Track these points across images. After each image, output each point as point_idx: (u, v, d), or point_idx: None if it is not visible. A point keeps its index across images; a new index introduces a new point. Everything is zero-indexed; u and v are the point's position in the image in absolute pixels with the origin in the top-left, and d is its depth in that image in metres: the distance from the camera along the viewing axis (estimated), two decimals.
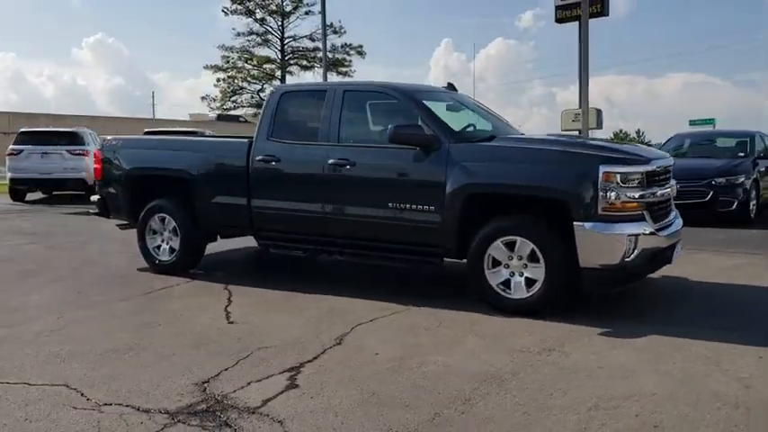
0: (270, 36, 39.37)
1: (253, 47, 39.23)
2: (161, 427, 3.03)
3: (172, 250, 6.57)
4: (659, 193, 4.98)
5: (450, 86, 6.55)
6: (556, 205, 4.80)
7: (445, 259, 5.47)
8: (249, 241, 7.48)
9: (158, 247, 6.66)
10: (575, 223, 4.65)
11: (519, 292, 4.90)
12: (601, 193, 4.60)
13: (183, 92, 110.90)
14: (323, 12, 22.84)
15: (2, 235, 9.82)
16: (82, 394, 3.42)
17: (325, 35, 23.83)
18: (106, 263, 7.37)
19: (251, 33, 38.85)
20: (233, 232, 6.81)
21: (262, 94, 37.67)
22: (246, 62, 39.22)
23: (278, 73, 38.99)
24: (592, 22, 17.91)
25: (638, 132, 69.49)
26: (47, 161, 15.81)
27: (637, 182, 4.74)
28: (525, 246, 4.84)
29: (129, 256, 7.46)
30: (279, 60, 39.35)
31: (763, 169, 11.35)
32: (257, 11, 38.41)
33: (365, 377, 3.68)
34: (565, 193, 4.73)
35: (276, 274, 6.70)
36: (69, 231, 10.30)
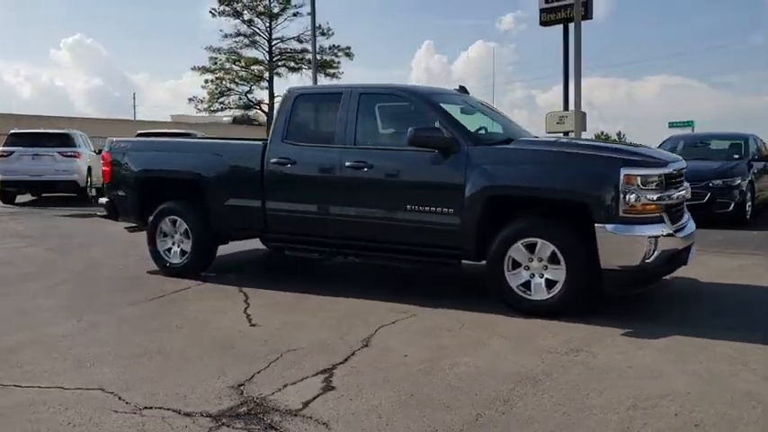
0: (257, 37, 39.35)
1: (240, 48, 39.21)
2: (206, 430, 3.03)
3: (183, 253, 6.54)
4: (675, 195, 5.06)
5: (462, 89, 6.58)
6: (576, 207, 4.85)
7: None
8: (257, 243, 7.48)
9: (169, 249, 6.61)
10: (596, 225, 4.71)
11: (539, 293, 4.94)
12: (622, 196, 4.66)
13: (164, 93, 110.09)
14: (312, 13, 22.79)
15: None
16: (119, 398, 3.40)
17: (314, 36, 23.79)
18: (111, 265, 7.32)
19: (238, 35, 38.83)
20: (246, 234, 6.79)
21: (250, 96, 37.62)
22: (234, 63, 39.12)
23: (266, 74, 38.92)
24: (574, 25, 18.04)
25: (618, 135, 70.30)
26: (38, 163, 15.66)
27: (655, 184, 4.81)
28: (546, 248, 4.89)
29: (134, 259, 7.42)
30: (267, 62, 39.28)
31: (757, 171, 11.54)
32: (245, 12, 38.34)
33: (399, 379, 3.69)
34: (586, 196, 4.78)
35: (287, 276, 6.69)
36: (65, 234, 10.19)
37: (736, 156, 11.68)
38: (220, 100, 39.52)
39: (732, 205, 10.42)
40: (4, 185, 15.79)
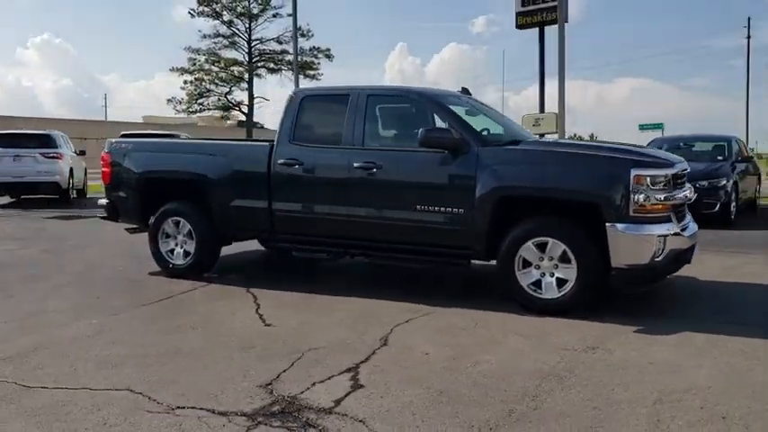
0: (237, 38, 39.11)
1: (219, 49, 38.92)
2: (245, 429, 3.03)
3: (186, 254, 6.50)
4: (680, 195, 5.18)
5: (465, 91, 6.65)
6: (587, 207, 4.94)
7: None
8: (256, 244, 7.48)
9: (171, 251, 6.57)
10: (607, 224, 4.80)
11: (550, 292, 5.02)
12: (632, 196, 4.76)
13: (134, 93, 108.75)
14: (294, 14, 22.70)
15: None
16: (149, 398, 3.39)
17: (296, 37, 23.71)
18: (111, 267, 7.25)
19: (218, 35, 38.55)
20: (251, 235, 6.78)
21: (229, 97, 37.38)
22: (213, 65, 38.84)
23: (246, 76, 38.71)
24: (550, 29, 18.28)
25: (591, 137, 71.03)
26: (19, 164, 15.39)
27: (663, 184, 4.92)
28: (557, 247, 4.97)
29: (133, 260, 7.36)
30: (246, 63, 39.08)
31: (740, 172, 11.81)
32: (224, 13, 38.10)
33: (424, 376, 3.73)
34: (597, 196, 4.87)
35: (290, 277, 6.69)
36: (56, 236, 10.05)
37: (720, 157, 11.94)
38: (200, 101, 39.24)
39: (718, 206, 10.64)
40: None
